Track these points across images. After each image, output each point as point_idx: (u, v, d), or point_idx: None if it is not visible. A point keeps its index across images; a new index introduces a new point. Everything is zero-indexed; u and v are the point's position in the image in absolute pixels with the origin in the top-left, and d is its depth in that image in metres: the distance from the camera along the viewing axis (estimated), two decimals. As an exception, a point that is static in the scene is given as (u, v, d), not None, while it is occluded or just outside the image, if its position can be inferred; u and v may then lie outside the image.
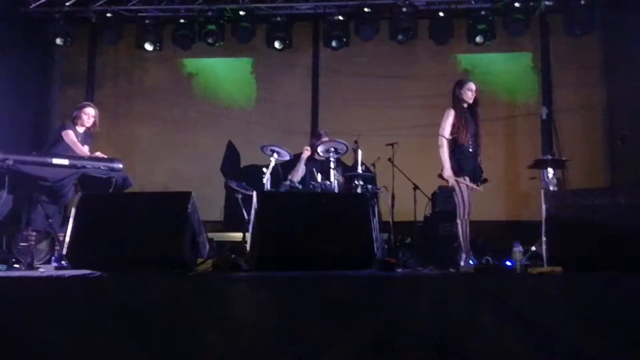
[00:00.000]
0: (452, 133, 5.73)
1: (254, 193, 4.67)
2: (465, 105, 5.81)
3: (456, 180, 5.64)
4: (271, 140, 7.29)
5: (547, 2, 8.77)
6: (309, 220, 4.32)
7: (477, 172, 5.80)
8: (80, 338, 3.75)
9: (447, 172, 5.66)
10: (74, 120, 6.55)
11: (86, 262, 4.24)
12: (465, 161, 5.72)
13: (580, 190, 5.48)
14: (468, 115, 5.79)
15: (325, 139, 6.89)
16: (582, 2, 8.46)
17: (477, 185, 5.73)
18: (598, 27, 8.78)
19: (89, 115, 6.57)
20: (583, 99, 9.22)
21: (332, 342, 3.67)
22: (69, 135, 6.37)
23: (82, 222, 4.33)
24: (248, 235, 6.02)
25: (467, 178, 5.66)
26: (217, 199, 8.63)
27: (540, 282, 4.04)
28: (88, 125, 6.57)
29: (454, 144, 5.73)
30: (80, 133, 6.52)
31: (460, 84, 5.88)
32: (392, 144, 7.45)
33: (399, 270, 4.89)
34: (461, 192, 5.65)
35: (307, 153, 6.98)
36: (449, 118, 5.74)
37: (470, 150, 5.76)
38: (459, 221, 5.62)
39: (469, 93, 5.80)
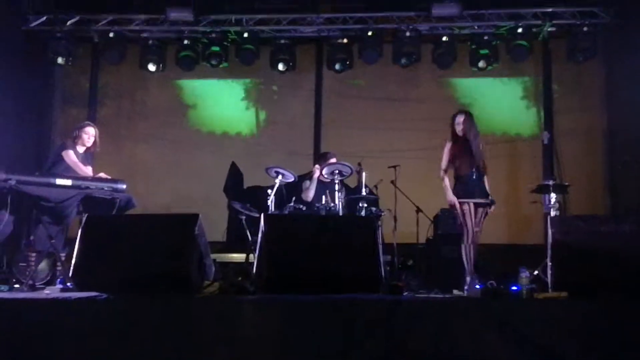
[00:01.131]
0: (451, 164, 6.04)
1: (261, 215, 4.66)
2: (459, 136, 6.09)
3: (460, 204, 5.86)
4: (274, 161, 7.31)
5: (549, 29, 8.87)
6: (316, 243, 4.31)
7: (483, 195, 5.98)
8: (86, 359, 3.73)
9: (449, 198, 5.94)
10: (74, 140, 6.49)
11: (92, 284, 4.20)
12: (466, 187, 5.95)
13: (586, 215, 5.52)
14: (465, 146, 6.03)
15: (332, 160, 6.93)
16: (585, 29, 8.56)
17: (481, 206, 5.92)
18: (599, 53, 8.85)
19: (89, 134, 6.51)
20: (584, 123, 9.29)
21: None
22: (70, 156, 6.31)
23: (88, 243, 4.31)
24: (252, 257, 6.03)
25: (470, 201, 5.87)
26: (220, 219, 8.62)
27: (547, 308, 4.03)
28: (88, 145, 6.51)
29: (456, 174, 6.03)
30: (81, 153, 6.48)
31: (452, 118, 6.20)
32: (394, 167, 7.47)
33: (406, 293, 4.88)
34: (464, 216, 5.86)
35: (317, 172, 7.01)
36: (445, 150, 6.10)
37: (474, 177, 5.97)
38: (463, 245, 5.83)
39: (456, 126, 6.12)
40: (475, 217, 5.92)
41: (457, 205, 5.89)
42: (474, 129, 6.13)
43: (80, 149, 6.47)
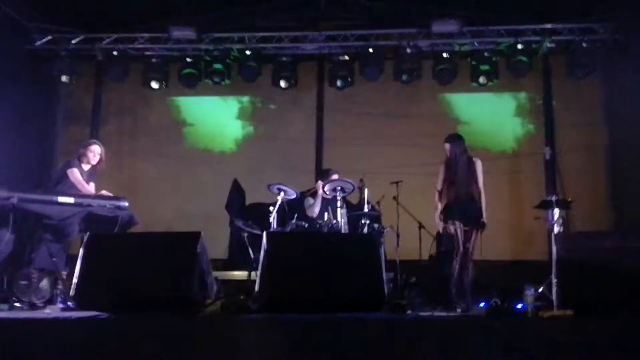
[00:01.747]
0: (444, 184, 6.29)
1: (264, 233, 4.64)
2: (452, 159, 6.37)
3: (444, 226, 6.21)
4: (276, 178, 7.29)
5: (549, 45, 8.90)
6: (319, 261, 4.28)
7: (471, 217, 6.21)
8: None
9: (436, 219, 6.31)
10: (79, 158, 6.50)
11: (93, 303, 4.18)
12: (456, 208, 6.19)
13: (591, 232, 5.49)
14: (459, 167, 6.29)
15: (334, 176, 6.92)
16: (584, 45, 8.59)
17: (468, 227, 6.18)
18: (600, 69, 8.87)
19: (95, 152, 6.54)
20: (585, 139, 9.28)
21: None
22: (74, 174, 6.32)
23: (89, 262, 4.29)
24: (254, 274, 5.99)
25: (457, 222, 6.14)
26: (221, 236, 8.58)
27: (552, 326, 4.00)
28: (94, 162, 6.53)
29: (448, 195, 6.24)
30: (86, 171, 6.48)
31: (446, 140, 6.50)
32: (396, 183, 7.45)
33: (409, 312, 4.84)
34: (456, 237, 6.17)
35: (321, 189, 7.01)
36: (440, 172, 6.36)
37: (464, 197, 6.21)
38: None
39: (446, 151, 6.44)
40: (465, 237, 6.15)
41: (440, 228, 6.28)
42: (463, 154, 6.37)
43: (86, 167, 6.48)
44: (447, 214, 6.21)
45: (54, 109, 9.94)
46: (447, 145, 6.44)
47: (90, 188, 6.39)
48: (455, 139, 6.53)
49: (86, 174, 6.47)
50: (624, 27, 8.47)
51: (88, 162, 6.50)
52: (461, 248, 6.10)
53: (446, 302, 6.08)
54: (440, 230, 6.32)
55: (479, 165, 6.35)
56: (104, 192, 6.37)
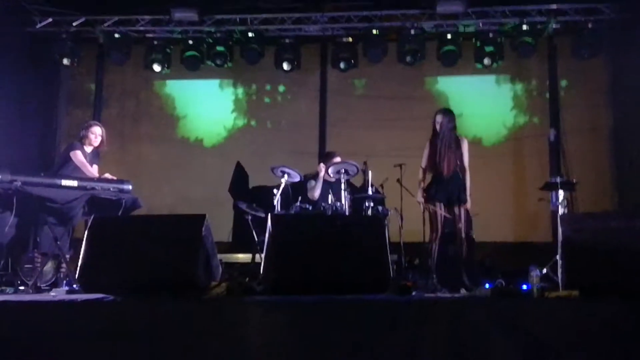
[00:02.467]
0: (429, 161, 6.23)
1: (269, 216, 4.62)
2: (439, 134, 6.22)
3: (426, 206, 6.17)
4: (279, 161, 7.27)
5: (554, 25, 8.81)
6: (324, 243, 4.27)
7: (453, 195, 6.14)
8: (93, 363, 3.70)
9: (418, 197, 6.27)
10: (81, 140, 6.48)
11: (98, 286, 4.18)
12: (438, 188, 6.15)
13: (596, 212, 5.47)
14: (444, 145, 6.17)
15: (337, 159, 6.90)
16: (590, 26, 8.51)
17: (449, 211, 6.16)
18: (605, 50, 8.80)
19: (97, 134, 6.50)
20: (590, 120, 9.23)
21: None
22: (77, 156, 6.30)
23: (94, 245, 4.28)
24: (258, 257, 5.99)
25: (439, 204, 6.12)
26: (225, 219, 8.57)
27: (558, 307, 3.99)
28: (96, 144, 6.50)
29: (432, 172, 6.21)
30: (88, 153, 6.46)
31: (435, 114, 6.38)
32: (400, 165, 7.41)
33: (414, 293, 4.84)
34: (430, 217, 6.17)
35: (323, 171, 6.99)
36: (425, 147, 6.29)
37: (447, 176, 6.12)
38: (430, 244, 6.16)
39: (435, 124, 6.29)
40: (453, 218, 6.15)
41: (422, 206, 6.18)
42: (452, 131, 6.25)
43: (88, 149, 6.46)
44: (429, 195, 6.18)
45: (55, 92, 9.89)
46: (439, 118, 6.28)
47: (94, 170, 6.38)
48: (448, 112, 6.40)
49: (89, 156, 6.45)
50: (631, 7, 8.38)
51: (90, 144, 6.47)
52: (440, 231, 6.12)
53: (450, 284, 6.07)
54: (422, 210, 6.22)
55: (465, 145, 6.27)
56: (107, 175, 6.35)
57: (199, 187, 9.36)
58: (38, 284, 5.51)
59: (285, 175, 6.53)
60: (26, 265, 5.78)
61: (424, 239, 7.45)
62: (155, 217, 6.11)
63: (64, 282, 5.56)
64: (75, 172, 6.22)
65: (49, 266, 5.83)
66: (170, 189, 9.49)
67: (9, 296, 4.90)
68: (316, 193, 6.97)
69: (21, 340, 3.78)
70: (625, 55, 8.58)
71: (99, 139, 6.49)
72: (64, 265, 5.76)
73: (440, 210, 6.12)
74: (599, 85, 9.26)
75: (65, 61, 9.17)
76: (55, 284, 5.71)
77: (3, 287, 5.49)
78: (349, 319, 3.80)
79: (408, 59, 8.93)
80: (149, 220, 5.08)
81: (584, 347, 3.65)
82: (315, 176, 7.13)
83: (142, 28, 9.27)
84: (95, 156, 6.55)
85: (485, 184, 8.84)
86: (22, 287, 5.51)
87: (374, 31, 8.88)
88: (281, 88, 9.88)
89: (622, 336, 3.68)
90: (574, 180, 7.17)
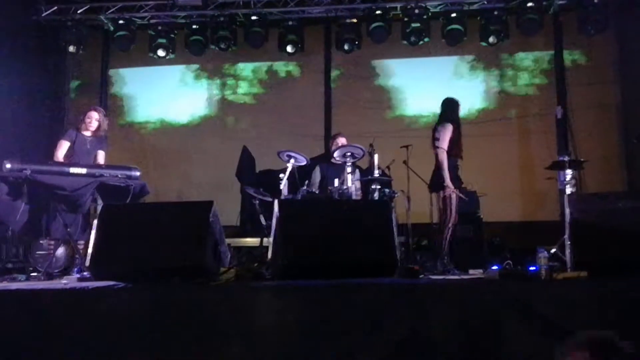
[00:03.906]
0: (455, 147, 6.11)
1: (275, 201, 4.64)
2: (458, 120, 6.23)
3: (453, 191, 6.04)
4: (284, 144, 7.28)
5: (560, 2, 8.72)
6: (331, 227, 4.28)
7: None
8: (105, 348, 3.76)
9: (450, 183, 6.03)
10: (79, 126, 6.51)
11: (109, 273, 4.21)
12: (456, 173, 6.16)
13: (604, 193, 5.46)
14: (460, 130, 6.20)
15: (341, 139, 6.91)
16: (595, 1, 8.43)
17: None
18: (612, 26, 8.71)
19: (92, 118, 6.44)
20: (597, 98, 9.19)
21: (357, 351, 3.66)
22: (59, 144, 6.36)
23: (104, 232, 4.31)
24: (266, 241, 6.02)
25: (457, 189, 6.11)
26: (232, 204, 8.61)
27: (567, 288, 4.00)
28: (92, 129, 6.46)
29: (454, 156, 6.12)
30: (88, 138, 6.46)
31: (457, 102, 6.34)
32: (406, 146, 7.39)
33: (422, 276, 4.86)
34: (453, 203, 6.07)
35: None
36: (448, 132, 6.08)
37: (459, 163, 6.20)
38: (447, 228, 6.08)
39: (459, 110, 6.31)
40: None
41: (450, 191, 6.06)
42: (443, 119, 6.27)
43: (87, 134, 6.47)
44: (454, 181, 6.10)
45: (62, 80, 9.94)
46: (458, 104, 6.33)
47: (100, 157, 6.40)
48: (445, 101, 6.44)
49: (89, 142, 6.44)
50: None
51: (87, 129, 6.47)
52: (456, 215, 6.08)
53: (458, 265, 6.10)
54: (454, 196, 6.05)
55: None
56: (99, 160, 6.39)
57: (206, 171, 9.42)
58: (50, 271, 5.56)
59: (292, 160, 6.53)
60: (38, 252, 5.85)
61: (432, 221, 7.50)
62: (163, 204, 6.15)
63: (76, 269, 5.61)
64: (73, 158, 6.26)
65: (61, 253, 5.89)
66: (177, 173, 9.55)
67: (21, 284, 4.95)
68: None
69: (32, 328, 3.84)
70: (633, 30, 8.50)
71: (95, 124, 6.44)
72: (75, 251, 5.81)
73: (460, 194, 6.12)
74: (606, 62, 9.21)
75: (71, 48, 9.20)
76: (67, 271, 5.77)
77: (15, 274, 5.55)
78: (357, 302, 3.83)
79: (412, 38, 8.88)
80: (157, 208, 5.10)
81: (594, 327, 3.68)
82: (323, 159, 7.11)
83: (146, 14, 9.25)
84: (100, 142, 6.54)
85: (492, 163, 8.85)
86: (34, 274, 5.56)
87: (378, 11, 8.81)
88: (285, 71, 9.85)
89: (632, 314, 3.70)
90: (582, 159, 7.12)
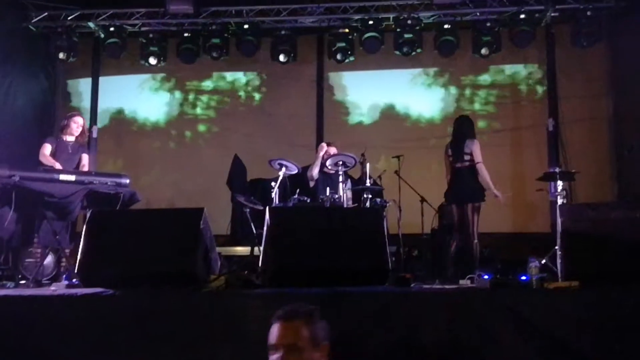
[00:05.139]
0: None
1: (267, 209, 4.62)
2: None
3: (503, 195, 6.60)
4: (276, 153, 7.26)
5: (553, 14, 8.76)
6: (322, 236, 4.26)
7: None
8: (94, 356, 3.71)
9: (496, 191, 6.52)
10: (62, 130, 6.49)
11: (98, 280, 4.17)
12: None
13: (595, 203, 5.47)
14: None
15: (333, 149, 6.90)
16: (588, 14, 8.46)
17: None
18: (604, 38, 8.75)
19: (78, 123, 6.52)
20: (589, 110, 9.23)
21: (347, 359, 3.62)
22: (42, 148, 6.37)
23: (93, 239, 4.27)
24: (257, 250, 5.99)
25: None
26: (223, 212, 8.57)
27: (558, 298, 4.00)
28: (77, 134, 6.50)
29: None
30: (70, 143, 6.44)
31: (472, 120, 6.89)
32: (398, 157, 7.40)
33: (413, 285, 4.84)
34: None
35: (324, 149, 6.97)
36: (478, 146, 6.52)
37: None
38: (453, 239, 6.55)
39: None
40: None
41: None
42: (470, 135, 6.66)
43: (70, 138, 6.45)
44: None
45: (52, 87, 9.87)
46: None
47: (52, 160, 6.34)
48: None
49: (71, 147, 6.44)
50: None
51: (71, 134, 6.47)
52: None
53: (449, 275, 6.10)
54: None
55: None
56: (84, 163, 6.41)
57: (197, 179, 9.38)
58: (38, 278, 5.51)
59: (283, 168, 6.52)
60: (26, 260, 5.83)
61: (423, 231, 7.49)
62: (153, 211, 6.12)
63: (64, 276, 5.55)
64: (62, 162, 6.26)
65: (49, 260, 5.85)
66: (168, 181, 9.51)
67: (9, 290, 4.89)
68: (315, 172, 6.95)
69: (21, 335, 3.79)
70: (625, 42, 8.55)
71: (79, 129, 6.50)
72: (63, 259, 5.77)
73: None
74: (598, 74, 9.25)
75: (62, 55, 9.13)
76: (55, 278, 5.71)
77: (4, 282, 5.49)
78: (348, 310, 3.81)
79: (405, 49, 8.89)
80: (147, 214, 5.08)
81: (585, 336, 3.67)
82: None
83: (137, 21, 9.22)
84: (81, 146, 6.57)
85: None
86: (22, 282, 5.50)
87: (371, 22, 8.82)
88: (277, 80, 9.84)
89: (622, 323, 3.70)
90: (573, 171, 7.14)
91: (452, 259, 6.36)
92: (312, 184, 6.99)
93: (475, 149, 6.46)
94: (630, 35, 8.31)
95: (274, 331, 2.50)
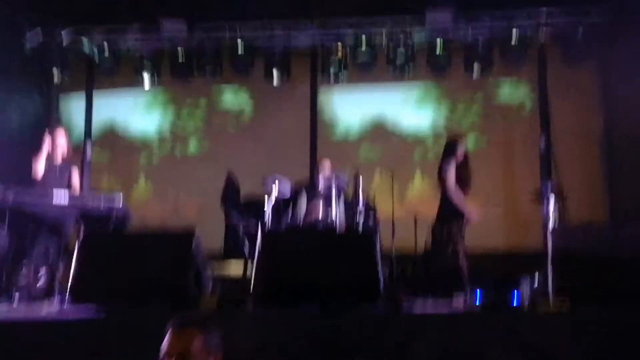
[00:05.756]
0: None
1: (259, 230, 4.63)
2: None
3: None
4: (269, 171, 7.26)
5: (545, 32, 8.83)
6: (314, 258, 4.28)
7: None
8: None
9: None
10: (48, 150, 6.45)
11: (90, 299, 4.18)
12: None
13: (586, 222, 5.52)
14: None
15: (325, 165, 6.91)
16: (580, 31, 8.54)
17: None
18: (595, 55, 8.82)
19: (60, 145, 6.48)
20: (581, 126, 9.26)
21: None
22: (35, 161, 6.33)
23: (85, 259, 4.29)
24: (250, 268, 5.98)
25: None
26: (216, 230, 8.54)
27: (550, 317, 4.03)
28: (64, 155, 6.48)
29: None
30: (56, 165, 6.42)
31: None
32: (391, 175, 7.41)
33: (405, 304, 4.85)
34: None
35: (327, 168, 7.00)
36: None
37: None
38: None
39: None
40: None
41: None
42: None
43: (56, 161, 6.43)
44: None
45: (46, 104, 9.86)
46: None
47: (40, 171, 6.31)
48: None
49: (59, 169, 6.42)
50: (621, 12, 8.41)
51: (56, 152, 6.45)
52: None
53: (442, 294, 6.10)
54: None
55: None
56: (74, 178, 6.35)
57: (190, 196, 9.37)
58: (31, 296, 5.50)
59: (276, 187, 6.52)
60: (19, 278, 5.78)
61: (416, 249, 7.49)
62: (145, 232, 6.12)
63: (56, 295, 5.55)
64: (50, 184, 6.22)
65: (42, 279, 5.84)
66: (162, 198, 9.49)
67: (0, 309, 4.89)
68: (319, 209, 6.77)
69: (13, 357, 3.78)
70: (616, 60, 8.60)
71: (63, 150, 6.47)
72: (56, 277, 5.76)
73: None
74: (589, 91, 9.29)
75: (55, 72, 9.13)
76: (48, 296, 5.70)
77: (-3, 298, 5.49)
78: (340, 330, 3.82)
79: (398, 64, 8.93)
80: (139, 236, 5.10)
81: (578, 354, 3.69)
82: (306, 187, 7.06)
83: (131, 39, 9.24)
84: (66, 164, 6.52)
85: (475, 190, 8.87)
86: (15, 300, 5.49)
87: (364, 39, 8.87)
88: (270, 98, 9.86)
89: (614, 343, 3.72)
90: (565, 193, 7.17)
91: (444, 277, 6.31)
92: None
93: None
94: (621, 52, 8.37)
95: (167, 339, 2.44)
